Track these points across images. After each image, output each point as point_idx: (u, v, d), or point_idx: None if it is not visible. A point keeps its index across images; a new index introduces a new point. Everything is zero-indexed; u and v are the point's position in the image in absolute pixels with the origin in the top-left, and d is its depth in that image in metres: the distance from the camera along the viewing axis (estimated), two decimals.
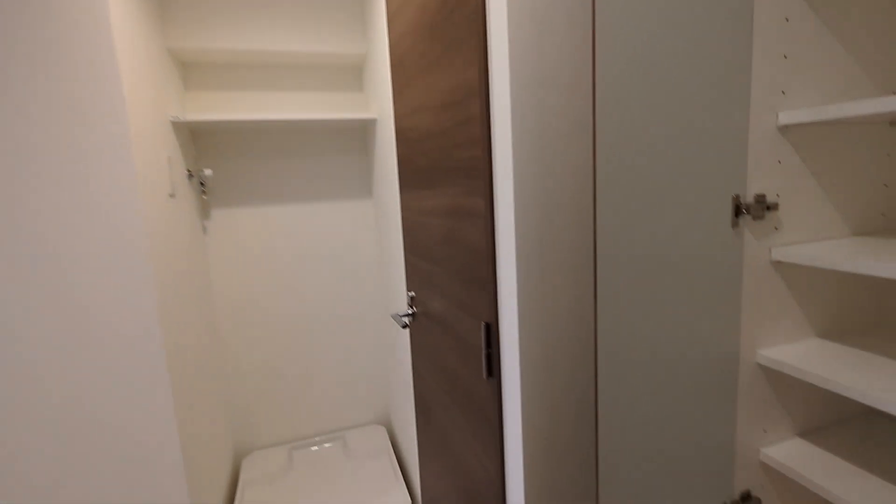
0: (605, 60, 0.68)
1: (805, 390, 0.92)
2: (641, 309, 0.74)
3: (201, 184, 1.82)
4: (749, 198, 0.80)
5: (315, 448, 2.09)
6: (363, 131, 2.06)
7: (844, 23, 0.83)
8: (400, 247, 1.60)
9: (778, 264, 0.85)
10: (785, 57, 0.79)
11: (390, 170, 1.63)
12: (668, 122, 0.72)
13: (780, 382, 0.90)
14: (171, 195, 1.41)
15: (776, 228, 0.84)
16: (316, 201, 2.04)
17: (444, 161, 0.95)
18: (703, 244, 0.78)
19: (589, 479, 0.79)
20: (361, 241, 2.11)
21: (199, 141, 1.85)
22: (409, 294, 1.37)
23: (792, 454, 0.87)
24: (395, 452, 2.10)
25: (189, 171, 1.67)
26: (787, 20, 0.78)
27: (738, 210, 0.79)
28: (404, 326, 1.32)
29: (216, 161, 1.88)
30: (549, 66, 0.68)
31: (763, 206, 0.80)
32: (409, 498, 1.70)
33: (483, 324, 0.82)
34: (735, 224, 0.79)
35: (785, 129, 0.81)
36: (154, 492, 1.18)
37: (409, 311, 1.34)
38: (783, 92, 0.79)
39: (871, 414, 0.99)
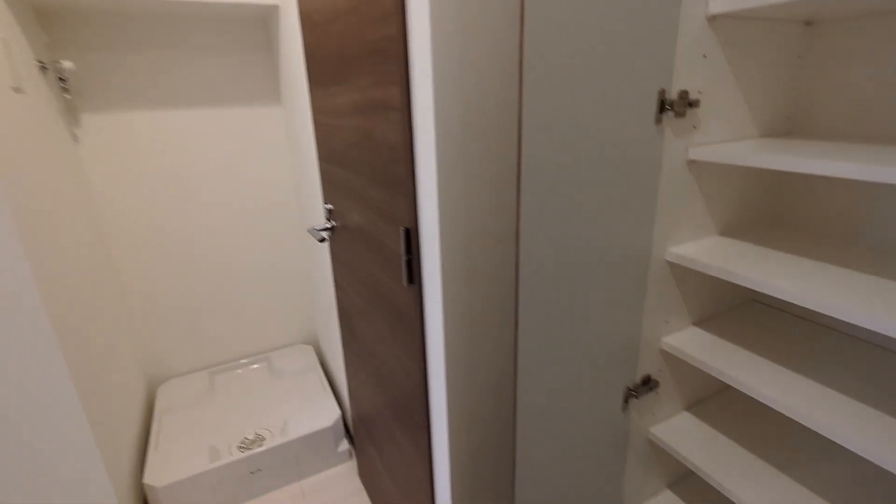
0: None
1: (703, 283, 1.00)
2: (564, 208, 0.73)
3: (61, 79, 1.49)
4: (673, 94, 0.78)
5: (239, 371, 2.03)
6: (264, 22, 1.77)
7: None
8: (314, 156, 1.46)
9: (692, 163, 0.86)
10: None
11: (298, 69, 1.43)
12: (600, 10, 0.65)
13: (683, 277, 0.96)
14: (17, 89, 1.13)
15: (695, 127, 0.84)
16: (218, 106, 1.77)
17: (353, 45, 0.82)
18: (627, 141, 0.76)
19: (508, 370, 0.81)
20: (273, 151, 1.91)
21: (51, 25, 1.49)
22: (327, 207, 1.27)
23: (687, 341, 0.96)
24: (323, 370, 2.11)
25: (41, 62, 1.35)
26: None
27: (663, 106, 0.77)
28: (322, 241, 1.23)
29: (80, 53, 1.54)
30: None
31: (685, 103, 0.79)
32: (339, 409, 1.73)
33: (402, 229, 0.77)
34: (658, 120, 0.78)
35: (713, 20, 0.78)
36: (54, 434, 1.07)
37: (327, 225, 1.25)
38: None
39: (756, 301, 1.11)
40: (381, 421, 1.19)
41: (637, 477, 1.10)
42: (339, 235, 1.22)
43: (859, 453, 0.67)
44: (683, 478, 1.22)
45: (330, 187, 1.23)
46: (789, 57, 0.92)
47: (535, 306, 0.76)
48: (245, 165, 1.87)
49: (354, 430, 1.58)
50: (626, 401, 0.98)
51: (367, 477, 1.52)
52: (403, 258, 0.78)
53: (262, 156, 1.89)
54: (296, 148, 1.79)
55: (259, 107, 1.84)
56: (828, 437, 0.70)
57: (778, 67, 0.91)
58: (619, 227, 0.81)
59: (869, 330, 0.92)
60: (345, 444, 1.72)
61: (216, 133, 1.80)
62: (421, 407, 0.87)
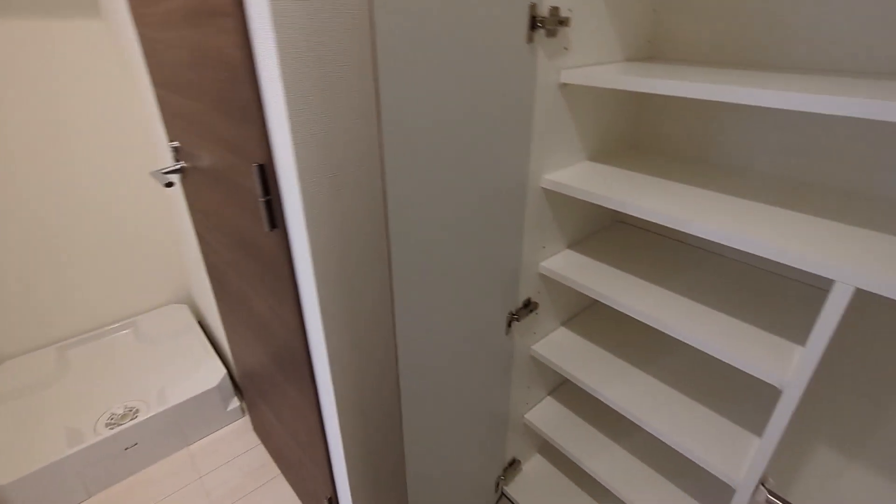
0: None
1: (576, 207, 1.05)
2: (435, 136, 0.67)
3: None
4: (544, 10, 0.74)
5: (101, 341, 1.77)
6: None
7: None
8: (148, 82, 1.20)
9: (565, 87, 0.85)
10: None
11: None
12: None
13: (558, 203, 0.99)
14: None
15: (566, 49, 0.82)
16: (5, 16, 1.36)
17: None
18: (499, 63, 0.71)
19: (386, 307, 0.78)
20: (102, 77, 1.55)
21: None
22: (172, 145, 1.07)
23: (562, 263, 1.01)
24: (203, 329, 1.92)
25: None
26: None
27: (534, 23, 0.73)
28: (168, 185, 1.05)
29: None
30: None
31: (556, 20, 0.76)
32: (225, 368, 1.61)
33: (255, 166, 0.66)
34: (530, 39, 0.74)
35: None
36: None
37: (175, 166, 1.07)
38: None
39: (621, 222, 1.20)
40: (267, 373, 1.12)
41: (521, 391, 1.19)
42: (190, 178, 1.05)
43: (694, 345, 0.77)
44: (561, 385, 1.35)
45: (171, 120, 1.03)
46: None
47: (410, 240, 0.72)
48: (66, 98, 1.50)
49: (243, 387, 1.48)
50: (509, 325, 1.02)
51: (262, 430, 1.47)
52: (261, 200, 0.68)
53: (87, 85, 1.53)
54: (129, 72, 1.47)
55: (69, 18, 1.45)
56: (672, 335, 0.80)
57: None
58: (496, 156, 0.79)
59: (715, 242, 1.05)
60: (235, 402, 1.62)
61: (10, 55, 1.39)
62: (302, 354, 0.82)
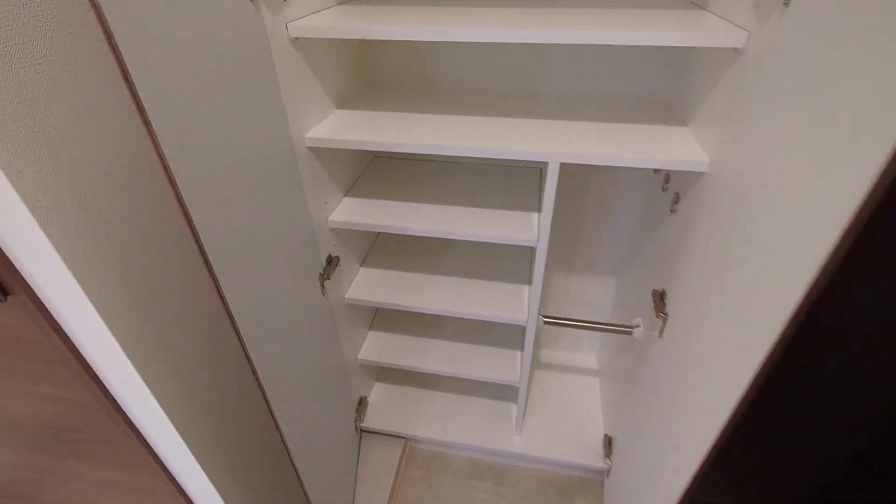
0: None
1: (340, 157, 1.08)
2: (202, 110, 0.59)
3: None
4: None
5: None
6: None
7: None
8: None
9: (297, 42, 0.83)
10: None
11: None
12: None
13: (325, 157, 1.00)
14: None
15: (285, 1, 0.79)
16: None
17: None
18: (229, 26, 0.64)
19: (218, 309, 0.71)
20: None
21: None
22: None
23: (345, 212, 1.06)
24: None
25: None
26: None
27: None
28: None
29: None
30: None
31: None
32: None
33: None
34: None
35: None
36: None
37: None
38: None
39: (377, 157, 1.30)
40: None
41: (348, 337, 1.26)
42: None
43: (465, 238, 0.98)
44: (375, 316, 1.48)
45: None
46: None
47: (218, 231, 0.65)
48: None
49: None
50: (322, 285, 1.04)
51: None
52: None
53: None
54: None
55: None
56: (447, 237, 0.99)
57: None
58: (259, 126, 0.74)
59: (454, 155, 1.26)
60: None
61: None
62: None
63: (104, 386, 0.64)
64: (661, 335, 0.92)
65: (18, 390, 0.68)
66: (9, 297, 0.54)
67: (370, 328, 1.44)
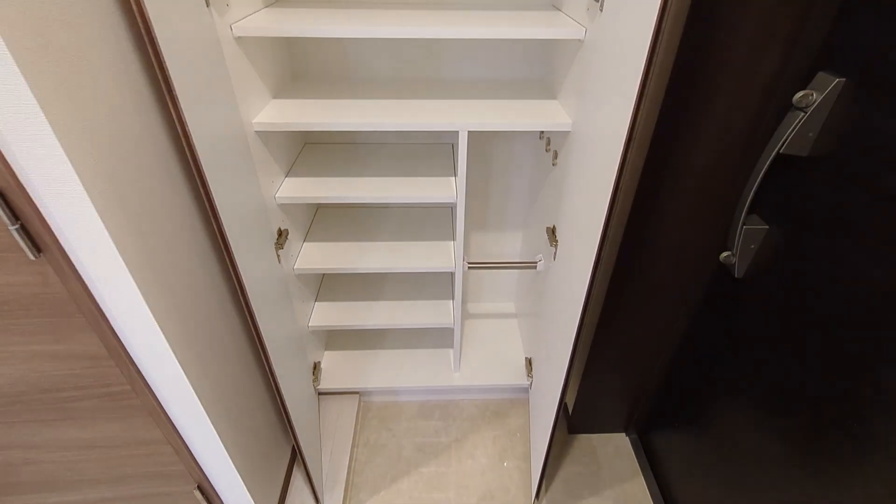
0: None
1: (280, 139, 1.23)
2: (196, 97, 0.74)
3: None
4: None
5: None
6: None
7: None
8: None
9: (240, 40, 0.98)
10: None
11: None
12: None
13: (269, 141, 1.15)
14: None
15: (227, 5, 0.93)
16: None
17: None
18: (183, 23, 0.79)
19: (215, 280, 0.85)
20: None
21: None
22: None
23: (288, 189, 1.22)
24: None
25: None
26: None
27: None
28: None
29: None
30: None
31: None
32: None
33: None
34: (208, 4, 0.83)
35: None
36: None
37: None
38: None
39: (308, 143, 1.46)
40: None
41: (300, 305, 1.41)
42: None
43: (397, 202, 1.20)
44: (321, 285, 1.63)
45: None
46: None
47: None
48: None
49: None
50: (277, 255, 1.19)
51: None
52: (14, 228, 0.60)
53: None
54: None
55: None
56: (380, 203, 1.19)
57: None
58: (217, 108, 0.88)
59: (376, 133, 1.45)
60: None
61: None
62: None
63: (118, 336, 0.77)
64: (554, 258, 1.21)
65: (26, 352, 0.77)
66: (40, 255, 0.66)
67: (317, 300, 1.59)
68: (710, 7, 0.82)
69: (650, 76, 0.66)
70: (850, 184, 0.74)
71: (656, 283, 1.18)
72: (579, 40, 1.00)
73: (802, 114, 0.78)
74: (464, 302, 1.92)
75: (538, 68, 1.35)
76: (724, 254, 0.97)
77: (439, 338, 1.77)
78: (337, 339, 1.78)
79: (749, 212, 0.90)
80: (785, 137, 0.79)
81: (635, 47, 0.70)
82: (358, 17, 1.02)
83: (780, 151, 0.81)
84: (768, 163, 0.82)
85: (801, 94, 0.78)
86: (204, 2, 0.82)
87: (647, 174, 1.00)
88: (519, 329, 1.81)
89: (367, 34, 0.96)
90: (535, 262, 1.38)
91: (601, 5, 0.87)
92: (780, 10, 0.80)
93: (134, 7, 0.60)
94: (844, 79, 0.74)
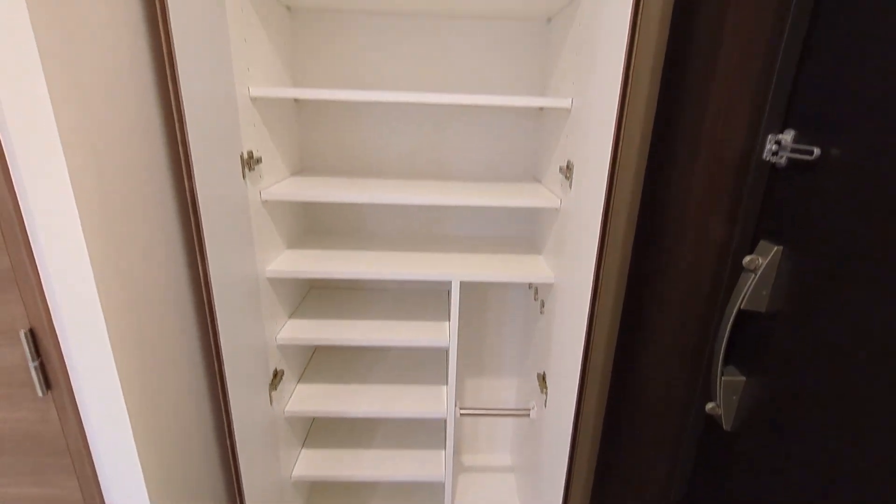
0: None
1: (288, 286, 1.34)
2: (226, 247, 0.85)
3: None
4: (245, 154, 1.03)
5: None
6: None
7: (273, 32, 1.14)
8: None
9: (266, 203, 1.15)
10: (245, 41, 1.02)
11: None
12: (200, 91, 0.80)
13: (277, 286, 1.25)
14: None
15: (261, 177, 1.12)
16: None
17: None
18: (229, 192, 0.95)
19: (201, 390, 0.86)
20: None
21: None
22: None
23: (289, 331, 1.28)
24: None
25: None
26: (245, 40, 1.00)
27: (244, 165, 1.01)
28: None
29: None
30: None
31: (253, 160, 1.06)
32: None
33: (24, 332, 0.64)
34: (244, 175, 1.01)
35: (255, 101, 1.07)
36: None
37: None
38: (248, 69, 1.03)
39: (314, 287, 1.56)
40: None
41: (285, 452, 1.36)
42: None
43: (394, 345, 1.24)
44: (312, 425, 1.58)
45: None
46: (294, 124, 1.35)
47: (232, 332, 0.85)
48: None
49: None
50: (270, 396, 1.20)
51: None
52: (33, 365, 0.65)
53: None
54: None
55: None
56: (379, 345, 1.24)
57: (292, 129, 1.32)
58: (238, 257, 1.00)
59: (378, 280, 1.57)
60: None
61: None
62: None
63: (98, 482, 0.76)
64: (545, 406, 1.21)
65: (2, 494, 0.75)
66: (48, 392, 0.69)
67: (304, 445, 1.53)
68: (654, 193, 0.98)
69: (606, 240, 0.78)
70: (804, 339, 0.80)
71: (648, 440, 1.16)
72: (556, 209, 1.16)
73: (753, 275, 0.88)
74: (457, 453, 1.82)
75: (525, 228, 1.52)
76: (710, 405, 0.99)
77: (430, 490, 1.64)
78: (321, 490, 1.64)
79: (725, 363, 0.94)
80: (742, 296, 0.88)
81: (594, 217, 0.83)
82: (369, 185, 1.21)
83: (741, 308, 0.89)
84: (732, 318, 0.90)
85: (748, 258, 0.89)
86: (241, 175, 1.00)
87: (624, 332, 1.07)
88: (516, 485, 1.68)
89: (377, 200, 1.13)
90: (529, 410, 1.37)
91: (570, 183, 1.04)
92: (720, 186, 0.97)
93: (186, 184, 0.75)
94: (782, 246, 0.86)
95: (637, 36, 0.77)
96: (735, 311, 0.89)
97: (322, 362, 1.56)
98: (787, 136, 0.90)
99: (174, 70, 0.74)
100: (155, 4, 0.71)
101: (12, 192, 0.59)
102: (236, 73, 0.97)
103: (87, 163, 0.66)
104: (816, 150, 0.80)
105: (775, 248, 0.87)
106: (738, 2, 0.96)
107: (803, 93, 0.89)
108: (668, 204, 0.99)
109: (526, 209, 1.50)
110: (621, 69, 0.80)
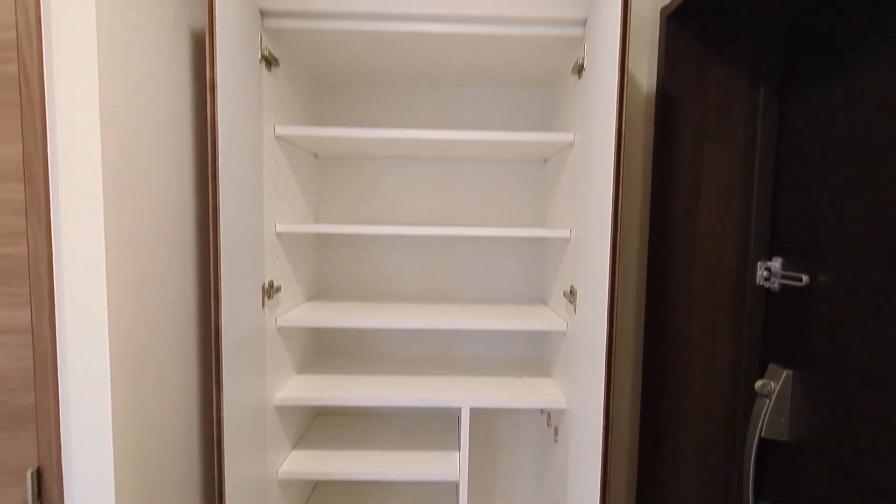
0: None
1: (294, 413, 1.31)
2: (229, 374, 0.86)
3: None
4: (267, 284, 1.09)
5: None
6: None
7: (300, 176, 1.30)
8: None
9: (280, 329, 1.19)
10: (276, 185, 1.15)
11: None
12: (236, 231, 0.90)
13: (284, 414, 1.23)
14: None
15: (278, 304, 1.18)
16: None
17: None
18: (249, 322, 0.99)
19: None
20: None
21: None
22: None
23: (293, 464, 1.22)
24: None
25: None
26: (277, 185, 1.15)
27: (264, 293, 1.07)
28: None
29: None
30: None
31: (273, 289, 1.12)
32: None
33: (31, 472, 0.63)
34: (263, 304, 1.06)
35: (280, 236, 1.17)
36: None
37: None
38: (277, 208, 1.15)
39: (320, 413, 1.52)
40: None
41: None
42: None
43: (402, 479, 1.18)
44: None
45: None
46: (312, 253, 1.45)
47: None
48: None
49: None
50: None
51: None
52: None
53: None
54: None
55: None
56: (386, 480, 1.17)
57: (308, 260, 1.42)
58: (253, 384, 1.00)
59: (385, 407, 1.53)
60: None
61: None
62: None
63: None
64: None
65: None
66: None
67: None
68: (658, 318, 1.01)
69: (612, 364, 0.79)
70: (833, 473, 0.76)
71: None
72: (563, 332, 1.18)
73: (768, 401, 0.87)
74: None
75: (533, 350, 1.53)
76: None
77: None
78: None
79: (757, 498, 0.88)
80: (760, 423, 0.86)
81: (599, 343, 0.86)
82: (380, 310, 1.26)
83: (762, 436, 0.86)
84: (754, 449, 0.86)
85: (760, 382, 0.89)
86: (261, 304, 1.05)
87: (644, 461, 1.02)
88: None
89: (387, 325, 1.16)
90: None
91: (574, 307, 1.08)
92: (721, 310, 1.00)
93: (213, 318, 0.79)
94: (792, 371, 0.86)
95: (621, 173, 0.87)
96: (756, 441, 0.86)
97: (326, 493, 1.45)
98: (776, 264, 0.96)
99: (216, 221, 0.84)
100: (207, 166, 0.83)
101: (53, 333, 0.63)
102: (266, 211, 1.09)
103: (123, 305, 0.72)
104: (805, 277, 0.85)
105: (785, 373, 0.87)
106: (710, 145, 1.09)
107: (783, 223, 0.97)
108: (672, 329, 1.01)
109: (534, 331, 1.52)
110: (610, 205, 0.88)
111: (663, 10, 1.13)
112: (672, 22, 1.10)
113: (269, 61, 1.09)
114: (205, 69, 0.84)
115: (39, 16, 0.57)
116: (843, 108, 0.83)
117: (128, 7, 0.79)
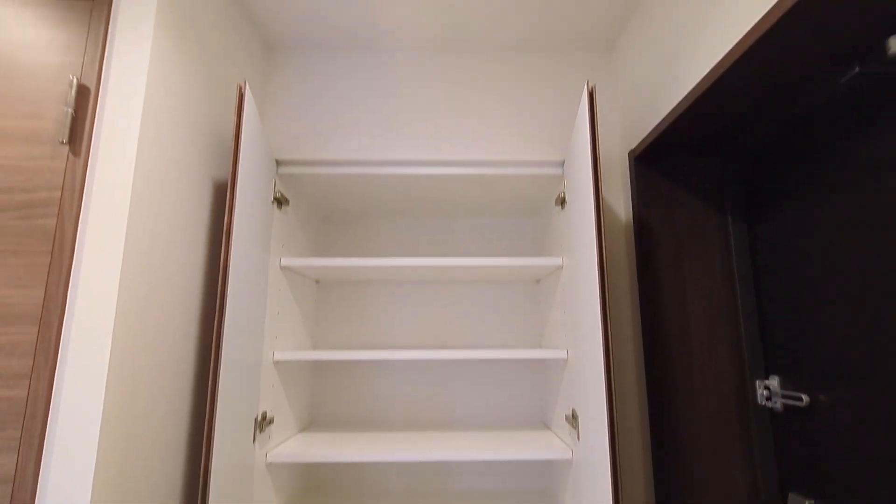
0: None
1: None
2: None
3: None
4: (260, 416, 1.07)
5: None
6: None
7: (302, 301, 1.35)
8: None
9: (270, 465, 1.12)
10: (278, 314, 1.18)
11: None
12: (235, 364, 0.91)
13: None
14: None
15: (269, 437, 1.13)
16: None
17: None
18: (239, 461, 0.94)
19: None
20: None
21: None
22: None
23: None
24: None
25: None
26: (278, 314, 1.20)
27: (255, 426, 1.03)
28: None
29: None
30: None
31: (265, 421, 1.09)
32: None
33: None
34: (254, 438, 1.02)
35: (277, 364, 1.17)
36: None
37: None
38: (277, 336, 1.17)
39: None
40: None
41: None
42: None
43: None
44: None
45: None
46: (308, 378, 1.43)
47: None
48: None
49: None
50: None
51: None
52: None
53: None
54: None
55: None
56: None
57: (303, 386, 1.39)
58: None
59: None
60: None
61: None
62: None
63: None
64: None
65: None
66: None
67: None
68: (663, 443, 0.98)
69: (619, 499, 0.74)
70: None
71: None
72: (569, 460, 1.12)
73: None
74: None
75: (539, 481, 1.42)
76: None
77: None
78: None
79: None
80: None
81: (603, 473, 0.81)
82: (374, 440, 1.20)
83: None
84: None
85: None
86: (252, 439, 1.02)
87: None
88: None
89: (381, 459, 1.10)
90: None
91: (578, 433, 1.04)
92: (727, 433, 0.96)
93: (202, 463, 0.77)
94: (813, 501, 0.81)
95: (607, 298, 0.91)
96: None
97: None
98: (774, 382, 0.95)
99: (217, 361, 0.86)
100: (215, 301, 0.87)
101: (35, 482, 0.61)
102: (266, 340, 1.10)
103: (113, 446, 0.70)
104: (805, 397, 0.85)
105: (807, 503, 0.81)
106: (690, 269, 1.15)
107: (774, 340, 0.98)
108: (683, 464, 0.97)
109: (538, 461, 1.43)
110: (600, 329, 0.91)
111: (631, 152, 1.28)
112: (640, 163, 1.24)
113: (280, 201, 1.20)
114: (222, 213, 0.93)
115: (84, 181, 0.66)
116: (803, 232, 0.91)
117: (165, 168, 0.90)
